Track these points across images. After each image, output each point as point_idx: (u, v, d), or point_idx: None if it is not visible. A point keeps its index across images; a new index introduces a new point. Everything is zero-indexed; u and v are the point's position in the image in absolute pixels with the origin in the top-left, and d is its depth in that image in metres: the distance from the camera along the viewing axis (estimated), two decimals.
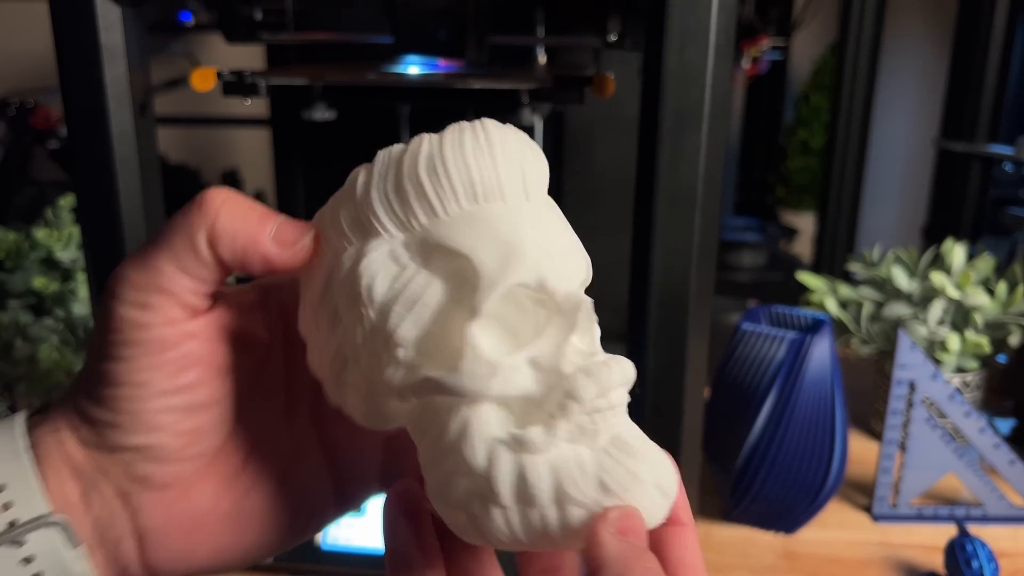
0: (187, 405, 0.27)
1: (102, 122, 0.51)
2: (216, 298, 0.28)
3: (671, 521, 0.27)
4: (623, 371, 0.24)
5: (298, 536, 0.30)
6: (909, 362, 0.66)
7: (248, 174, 1.33)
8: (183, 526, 0.28)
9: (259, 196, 1.28)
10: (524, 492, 0.23)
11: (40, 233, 0.77)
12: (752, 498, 0.66)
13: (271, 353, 0.30)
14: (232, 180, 1.26)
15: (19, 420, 0.27)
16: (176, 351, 0.26)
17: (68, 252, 0.78)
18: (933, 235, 1.16)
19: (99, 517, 0.27)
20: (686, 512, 0.28)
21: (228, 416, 0.28)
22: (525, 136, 0.26)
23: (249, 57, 1.22)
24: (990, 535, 0.65)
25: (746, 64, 1.18)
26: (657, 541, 0.26)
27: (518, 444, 0.23)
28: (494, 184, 0.25)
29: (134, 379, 0.26)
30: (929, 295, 0.79)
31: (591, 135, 0.88)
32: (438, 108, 0.69)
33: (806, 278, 0.84)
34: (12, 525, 0.25)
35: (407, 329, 0.24)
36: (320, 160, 0.94)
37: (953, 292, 0.76)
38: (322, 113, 0.62)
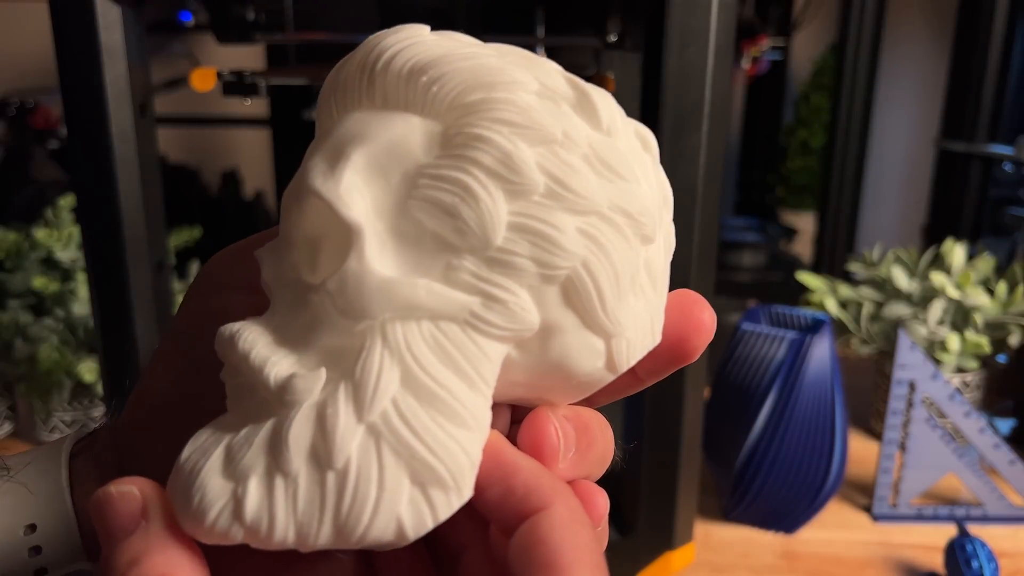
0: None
1: (102, 122, 0.51)
2: None
3: (520, 513, 0.19)
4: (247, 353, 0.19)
5: None
6: (909, 362, 0.66)
7: (248, 174, 1.33)
8: None
9: (259, 196, 1.28)
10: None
11: (40, 233, 0.77)
12: (752, 498, 0.66)
13: None
14: (232, 180, 1.26)
15: (65, 447, 0.24)
16: None
17: (68, 252, 0.78)
18: (933, 235, 1.16)
19: None
20: (541, 492, 0.19)
21: None
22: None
23: (249, 57, 1.22)
24: (990, 535, 0.65)
25: (746, 64, 1.18)
26: (510, 548, 0.19)
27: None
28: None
29: (195, 359, 0.24)
30: (929, 295, 0.79)
31: None
32: None
33: (806, 278, 0.84)
34: (40, 574, 0.22)
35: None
36: None
37: (953, 292, 0.76)
38: None
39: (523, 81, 0.19)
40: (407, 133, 0.19)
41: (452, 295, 0.19)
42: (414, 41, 0.20)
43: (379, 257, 0.19)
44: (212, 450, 0.19)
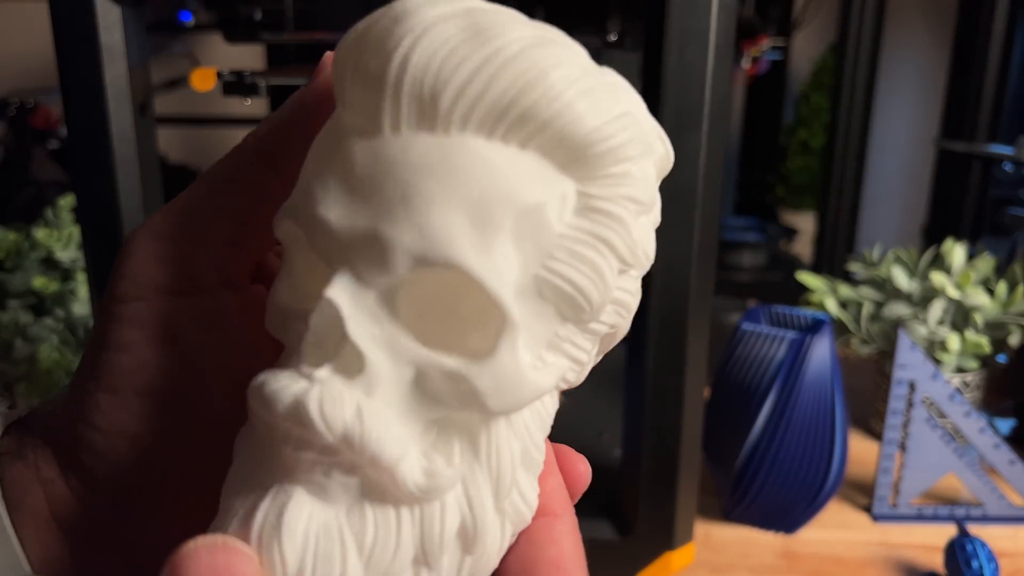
0: (201, 427, 0.21)
1: (102, 122, 0.51)
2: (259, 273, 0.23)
3: (540, 512, 0.21)
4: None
5: None
6: (909, 362, 0.66)
7: None
8: None
9: None
10: None
11: (40, 233, 0.77)
12: (752, 498, 0.66)
13: None
14: None
15: None
16: (193, 342, 0.21)
17: (68, 252, 0.78)
18: (933, 235, 1.16)
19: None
20: (559, 500, 0.22)
21: None
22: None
23: (249, 57, 1.22)
24: (990, 535, 0.65)
25: (746, 64, 1.18)
26: (522, 538, 0.21)
27: None
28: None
29: (141, 382, 0.20)
30: (929, 295, 0.79)
31: None
32: None
33: (806, 278, 0.84)
34: None
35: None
36: None
37: (953, 292, 0.76)
38: None
39: (651, 144, 0.19)
40: (546, 198, 0.18)
41: (564, 370, 0.19)
42: (479, 56, 0.17)
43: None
44: (339, 555, 0.17)
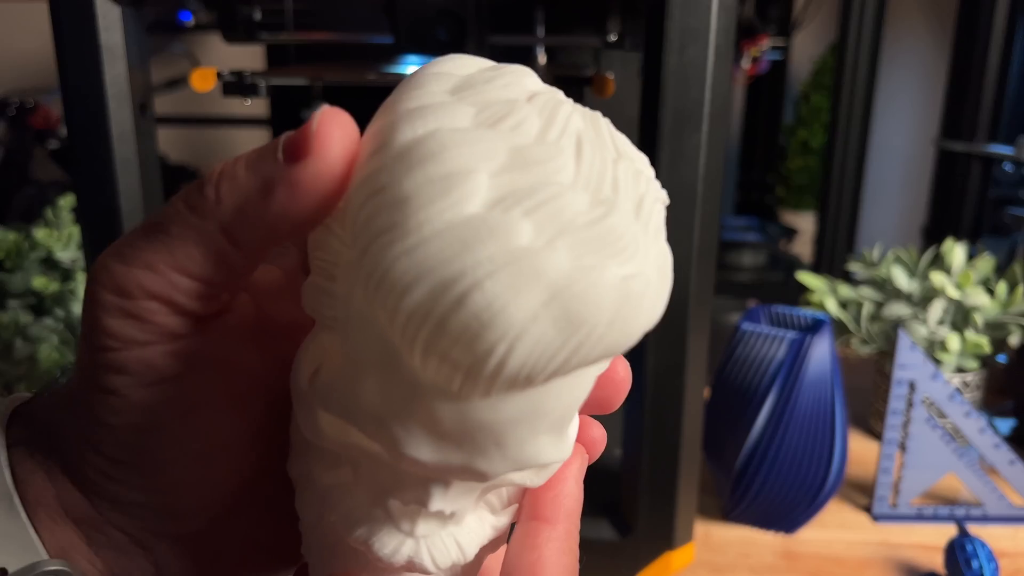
0: (207, 450, 0.22)
1: (102, 122, 0.51)
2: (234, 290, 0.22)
3: (531, 514, 0.22)
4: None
5: None
6: (909, 362, 0.66)
7: None
8: (220, 570, 0.24)
9: None
10: None
11: (40, 233, 0.77)
12: (752, 498, 0.66)
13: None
14: None
15: (2, 455, 0.22)
16: (182, 379, 0.21)
17: (68, 252, 0.78)
18: (933, 235, 1.16)
19: (112, 563, 0.22)
20: (554, 507, 0.22)
21: (262, 446, 0.23)
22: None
23: (249, 57, 1.22)
24: (990, 535, 0.65)
25: (746, 64, 1.18)
26: (510, 539, 0.22)
27: None
28: None
29: (136, 420, 0.21)
30: (929, 295, 0.79)
31: None
32: None
33: (806, 278, 0.84)
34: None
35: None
36: None
37: (953, 292, 0.76)
38: None
39: None
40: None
41: None
42: (571, 345, 0.17)
43: None
44: None
